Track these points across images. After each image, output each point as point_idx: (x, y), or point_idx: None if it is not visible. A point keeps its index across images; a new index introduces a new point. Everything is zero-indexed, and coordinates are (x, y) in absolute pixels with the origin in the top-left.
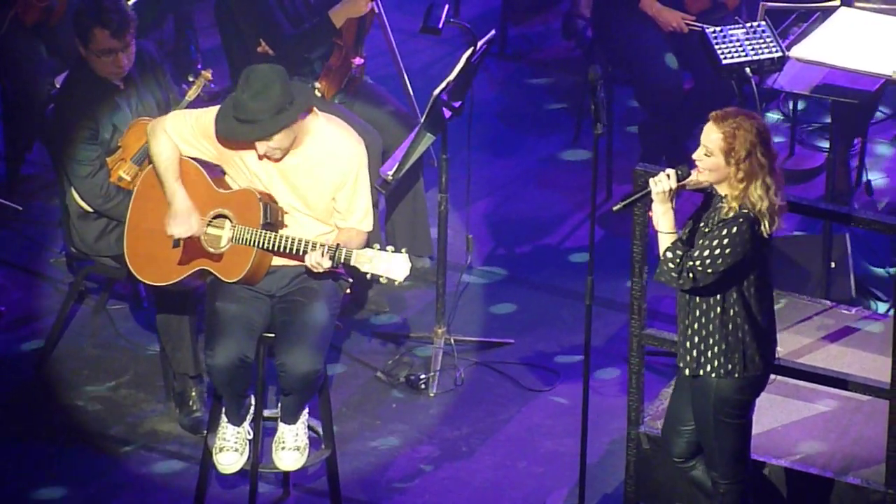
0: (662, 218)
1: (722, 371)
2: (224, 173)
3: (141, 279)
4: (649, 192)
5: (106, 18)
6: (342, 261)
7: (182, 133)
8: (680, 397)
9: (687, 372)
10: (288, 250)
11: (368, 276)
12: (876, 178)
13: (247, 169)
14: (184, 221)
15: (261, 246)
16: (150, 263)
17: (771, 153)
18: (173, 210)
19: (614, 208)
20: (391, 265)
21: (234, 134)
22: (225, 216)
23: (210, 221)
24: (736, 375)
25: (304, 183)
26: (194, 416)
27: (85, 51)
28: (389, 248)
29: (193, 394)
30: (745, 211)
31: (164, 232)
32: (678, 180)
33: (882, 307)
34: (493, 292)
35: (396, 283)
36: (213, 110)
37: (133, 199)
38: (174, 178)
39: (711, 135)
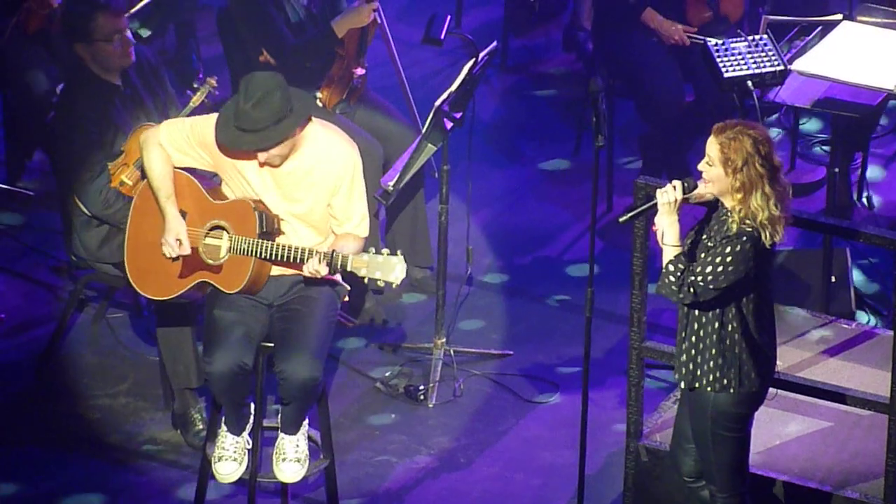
0: (668, 230)
1: (717, 385)
2: (220, 183)
3: (143, 294)
4: (655, 204)
5: (100, 3)
6: (339, 267)
7: (177, 142)
8: (684, 414)
9: (682, 385)
10: (285, 258)
11: (366, 281)
12: (876, 192)
13: (241, 177)
14: (172, 242)
15: (258, 255)
16: (151, 277)
17: (771, 164)
18: (165, 228)
19: (620, 219)
20: (387, 268)
21: (237, 144)
22: (222, 227)
23: (208, 232)
24: (731, 391)
25: (300, 189)
26: (202, 434)
27: (88, 44)
28: (385, 250)
29: (195, 413)
30: (749, 228)
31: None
32: (684, 192)
33: (882, 321)
34: (493, 303)
35: (393, 285)
36: (210, 118)
37: (131, 213)
38: (165, 197)
39: (712, 145)
